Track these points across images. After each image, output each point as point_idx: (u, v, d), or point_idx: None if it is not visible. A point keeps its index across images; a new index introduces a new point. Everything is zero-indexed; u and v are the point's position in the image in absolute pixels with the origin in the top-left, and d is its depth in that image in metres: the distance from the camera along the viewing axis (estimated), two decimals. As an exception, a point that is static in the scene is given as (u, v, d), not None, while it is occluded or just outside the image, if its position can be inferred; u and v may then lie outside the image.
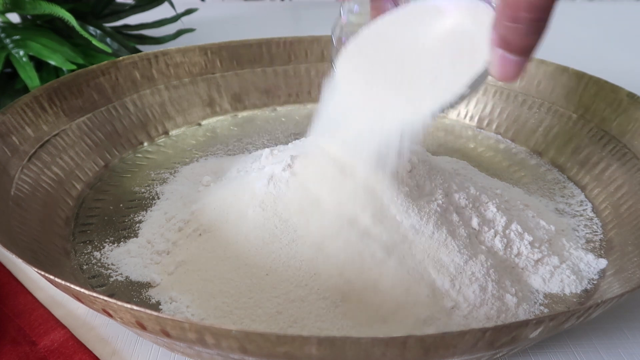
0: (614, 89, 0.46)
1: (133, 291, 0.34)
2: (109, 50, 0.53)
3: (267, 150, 0.41)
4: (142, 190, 0.43)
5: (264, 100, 0.55)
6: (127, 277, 0.35)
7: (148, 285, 0.34)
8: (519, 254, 0.35)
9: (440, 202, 0.35)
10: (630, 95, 0.44)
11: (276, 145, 0.49)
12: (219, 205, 0.37)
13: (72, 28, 0.52)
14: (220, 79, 0.54)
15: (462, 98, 0.29)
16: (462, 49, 0.29)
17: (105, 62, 0.49)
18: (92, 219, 0.40)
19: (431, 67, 0.30)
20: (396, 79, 0.30)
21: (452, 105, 0.29)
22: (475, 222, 0.35)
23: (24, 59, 0.51)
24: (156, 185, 0.44)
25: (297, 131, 0.52)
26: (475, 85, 0.29)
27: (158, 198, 0.42)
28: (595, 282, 0.35)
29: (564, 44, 0.81)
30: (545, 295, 0.34)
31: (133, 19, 0.67)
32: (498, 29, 0.26)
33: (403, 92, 0.30)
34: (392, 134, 0.30)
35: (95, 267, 0.35)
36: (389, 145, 0.30)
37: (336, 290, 0.32)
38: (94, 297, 0.25)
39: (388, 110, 0.30)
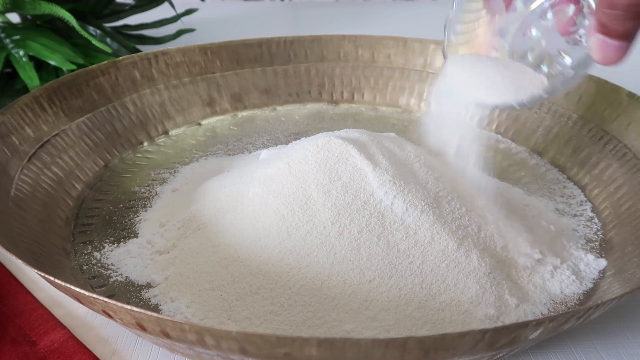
0: (614, 89, 0.46)
1: (133, 291, 0.34)
2: (109, 50, 0.53)
3: (266, 150, 0.41)
4: (142, 190, 0.43)
5: (264, 100, 0.55)
6: (127, 277, 0.35)
7: (148, 286, 0.34)
8: (518, 254, 0.35)
9: (440, 201, 0.35)
10: (630, 95, 0.44)
11: (276, 145, 0.49)
12: (219, 205, 0.37)
13: (72, 28, 0.52)
14: (220, 79, 0.54)
15: (567, 82, 0.31)
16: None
17: (105, 62, 0.49)
18: (92, 219, 0.40)
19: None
20: (498, 69, 0.32)
21: (554, 91, 0.31)
22: (474, 222, 0.35)
23: (24, 59, 0.51)
24: (156, 185, 0.44)
25: (297, 131, 0.52)
26: (581, 70, 0.30)
27: (158, 198, 0.42)
28: (595, 282, 0.35)
29: (564, 43, 0.81)
30: (545, 296, 0.34)
31: (133, 19, 0.67)
32: (597, 15, 0.28)
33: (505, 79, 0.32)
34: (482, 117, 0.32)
35: (95, 267, 0.35)
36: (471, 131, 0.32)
37: (336, 289, 0.32)
38: (94, 298, 0.25)
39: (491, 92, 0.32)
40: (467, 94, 0.33)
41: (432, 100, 0.34)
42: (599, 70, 0.48)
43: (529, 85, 0.32)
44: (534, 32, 0.30)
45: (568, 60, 0.30)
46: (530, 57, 0.30)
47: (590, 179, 0.44)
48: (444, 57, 0.33)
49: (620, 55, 0.28)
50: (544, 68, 0.30)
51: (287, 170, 0.36)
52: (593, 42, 0.29)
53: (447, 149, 0.34)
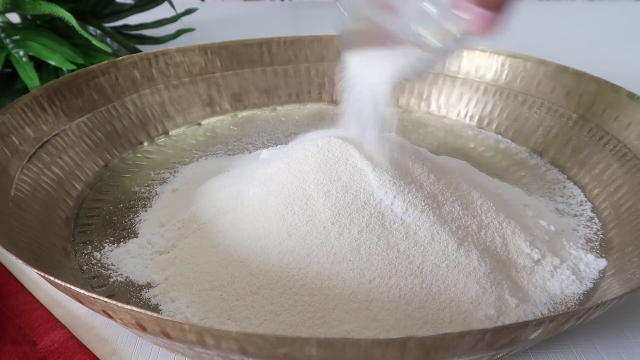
0: (614, 89, 0.46)
1: (133, 291, 0.34)
2: (109, 50, 0.53)
3: (266, 150, 0.41)
4: (142, 190, 0.43)
5: (264, 100, 0.55)
6: (127, 277, 0.35)
7: (148, 286, 0.34)
8: (518, 254, 0.35)
9: (440, 201, 0.35)
10: (630, 95, 0.44)
11: (276, 145, 0.49)
12: (219, 205, 0.37)
13: (72, 28, 0.52)
14: (220, 79, 0.54)
15: (440, 56, 0.32)
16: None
17: (105, 62, 0.49)
18: (92, 219, 0.40)
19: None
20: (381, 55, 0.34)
21: (428, 65, 0.33)
22: (474, 222, 0.35)
23: (24, 59, 0.51)
24: (156, 185, 0.44)
25: (297, 131, 0.52)
26: (459, 43, 0.31)
27: (158, 198, 0.42)
28: (595, 282, 0.35)
29: (564, 44, 0.81)
30: (545, 296, 0.34)
31: (133, 19, 0.67)
32: None
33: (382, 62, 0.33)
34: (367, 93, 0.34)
35: (95, 267, 0.35)
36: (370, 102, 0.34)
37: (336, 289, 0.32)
38: (94, 298, 0.25)
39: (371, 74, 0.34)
40: (365, 79, 0.35)
41: (344, 92, 0.35)
42: (599, 71, 0.48)
43: (412, 60, 0.33)
44: (429, 7, 0.31)
45: (457, 33, 0.31)
46: (424, 32, 0.31)
47: (590, 179, 0.44)
48: (339, 51, 0.35)
49: (494, 26, 0.29)
50: (437, 42, 0.31)
51: (287, 170, 0.36)
52: (469, 14, 0.29)
53: (364, 129, 0.36)
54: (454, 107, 0.54)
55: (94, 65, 0.48)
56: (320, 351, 0.23)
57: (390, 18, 0.32)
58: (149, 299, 0.33)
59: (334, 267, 0.32)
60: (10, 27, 0.55)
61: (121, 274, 0.35)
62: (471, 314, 0.31)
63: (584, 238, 0.39)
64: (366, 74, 0.34)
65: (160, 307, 0.32)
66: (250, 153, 0.48)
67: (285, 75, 0.56)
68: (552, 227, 0.38)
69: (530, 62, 0.52)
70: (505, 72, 0.53)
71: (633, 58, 0.76)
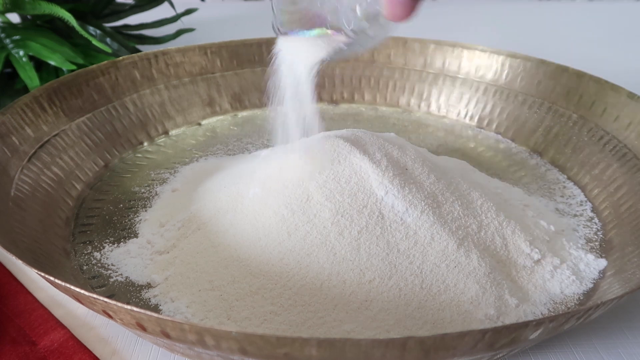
0: (614, 89, 0.46)
1: (133, 292, 0.34)
2: (109, 50, 0.53)
3: (266, 150, 0.41)
4: (142, 190, 0.43)
5: (264, 100, 0.55)
6: (127, 277, 0.35)
7: (148, 286, 0.34)
8: (518, 254, 0.35)
9: (440, 201, 0.35)
10: (630, 95, 0.44)
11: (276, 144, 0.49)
12: (219, 205, 0.37)
13: (72, 28, 0.52)
14: (220, 79, 0.54)
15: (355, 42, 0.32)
16: None
17: (105, 62, 0.49)
18: (92, 219, 0.40)
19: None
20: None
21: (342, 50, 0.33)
22: (474, 222, 0.35)
23: (24, 59, 0.51)
24: (156, 185, 0.44)
25: (297, 131, 0.52)
26: (379, 28, 0.31)
27: (158, 198, 0.42)
28: (595, 282, 0.35)
29: (564, 44, 0.81)
30: (545, 296, 0.34)
31: (133, 19, 0.67)
32: None
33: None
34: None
35: (95, 267, 0.35)
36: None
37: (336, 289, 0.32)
38: (94, 298, 0.25)
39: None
40: (293, 60, 0.36)
41: (277, 72, 0.36)
42: (599, 71, 0.48)
43: (334, 43, 0.33)
44: None
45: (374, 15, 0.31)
46: (359, 12, 0.31)
47: (590, 179, 0.44)
48: (275, 34, 0.36)
49: (407, 11, 0.28)
50: (364, 22, 0.31)
51: (287, 170, 0.36)
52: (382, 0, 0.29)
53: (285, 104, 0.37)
54: (454, 107, 0.54)
55: (94, 65, 0.48)
56: (320, 351, 0.23)
57: (323, 2, 0.33)
58: (149, 299, 0.33)
59: (334, 267, 0.32)
60: (10, 27, 0.55)
61: (121, 274, 0.35)
62: (471, 314, 0.31)
63: (584, 238, 0.39)
64: (290, 57, 0.35)
65: (160, 307, 0.32)
66: (250, 153, 0.48)
67: (285, 75, 0.56)
68: (552, 227, 0.38)
69: (530, 62, 0.52)
70: (505, 72, 0.53)
71: (633, 58, 0.76)
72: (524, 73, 0.52)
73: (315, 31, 0.33)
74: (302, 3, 0.34)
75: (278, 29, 0.35)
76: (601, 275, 0.35)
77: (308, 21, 0.34)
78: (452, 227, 0.34)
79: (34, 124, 0.42)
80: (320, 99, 0.57)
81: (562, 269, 0.35)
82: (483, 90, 0.53)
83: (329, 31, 0.33)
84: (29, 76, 0.50)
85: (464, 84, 0.54)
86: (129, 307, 0.24)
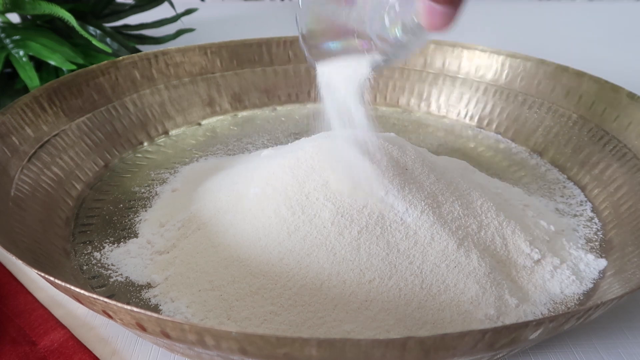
0: (614, 89, 0.46)
1: (133, 292, 0.34)
2: (109, 50, 0.53)
3: (266, 150, 0.41)
4: (142, 190, 0.43)
5: (264, 100, 0.55)
6: (127, 277, 0.35)
7: (148, 286, 0.34)
8: (518, 254, 0.35)
9: (440, 201, 0.35)
10: (630, 95, 0.44)
11: (276, 145, 0.49)
12: (219, 205, 0.37)
13: (72, 28, 0.52)
14: (220, 79, 0.54)
15: (400, 50, 0.32)
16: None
17: (105, 62, 0.49)
18: (92, 219, 0.40)
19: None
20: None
21: (388, 60, 0.33)
22: (474, 222, 0.35)
23: (24, 59, 0.51)
24: (156, 185, 0.44)
25: (297, 131, 0.52)
26: (417, 38, 0.31)
27: (158, 198, 0.42)
28: (595, 282, 0.35)
29: (564, 44, 0.81)
30: (545, 296, 0.34)
31: (133, 19, 0.67)
32: None
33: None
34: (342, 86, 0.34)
35: (95, 267, 0.35)
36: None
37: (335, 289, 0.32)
38: (94, 298, 0.25)
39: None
40: (336, 79, 0.35)
41: (322, 92, 0.36)
42: (599, 71, 0.48)
43: (370, 57, 0.33)
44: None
45: (412, 25, 0.30)
46: (387, 22, 0.31)
47: (590, 179, 0.44)
48: (305, 53, 0.35)
49: (446, 21, 0.28)
50: (397, 32, 0.31)
51: (287, 171, 0.36)
52: (420, 7, 0.28)
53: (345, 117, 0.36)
54: (454, 107, 0.54)
55: (94, 65, 0.48)
56: (320, 351, 0.23)
57: (349, 13, 0.32)
58: (149, 299, 0.33)
59: (334, 267, 0.32)
60: (10, 27, 0.55)
61: (121, 274, 0.35)
62: (471, 314, 0.31)
63: (584, 238, 0.39)
64: (334, 84, 0.34)
65: (160, 307, 0.32)
66: (250, 153, 0.48)
67: (285, 75, 0.56)
68: (552, 227, 0.38)
69: (530, 62, 0.52)
70: (505, 72, 0.53)
71: (633, 58, 0.76)
72: (524, 73, 0.52)
73: (343, 43, 0.33)
74: (327, 13, 0.33)
75: (308, 54, 0.34)
76: (601, 275, 0.35)
77: (335, 33, 0.33)
78: (452, 227, 0.34)
79: (34, 124, 0.42)
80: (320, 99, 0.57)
81: (562, 269, 0.35)
82: (483, 90, 0.53)
83: (357, 41, 0.32)
84: (29, 76, 0.50)
85: (464, 84, 0.54)
86: (129, 307, 0.24)
